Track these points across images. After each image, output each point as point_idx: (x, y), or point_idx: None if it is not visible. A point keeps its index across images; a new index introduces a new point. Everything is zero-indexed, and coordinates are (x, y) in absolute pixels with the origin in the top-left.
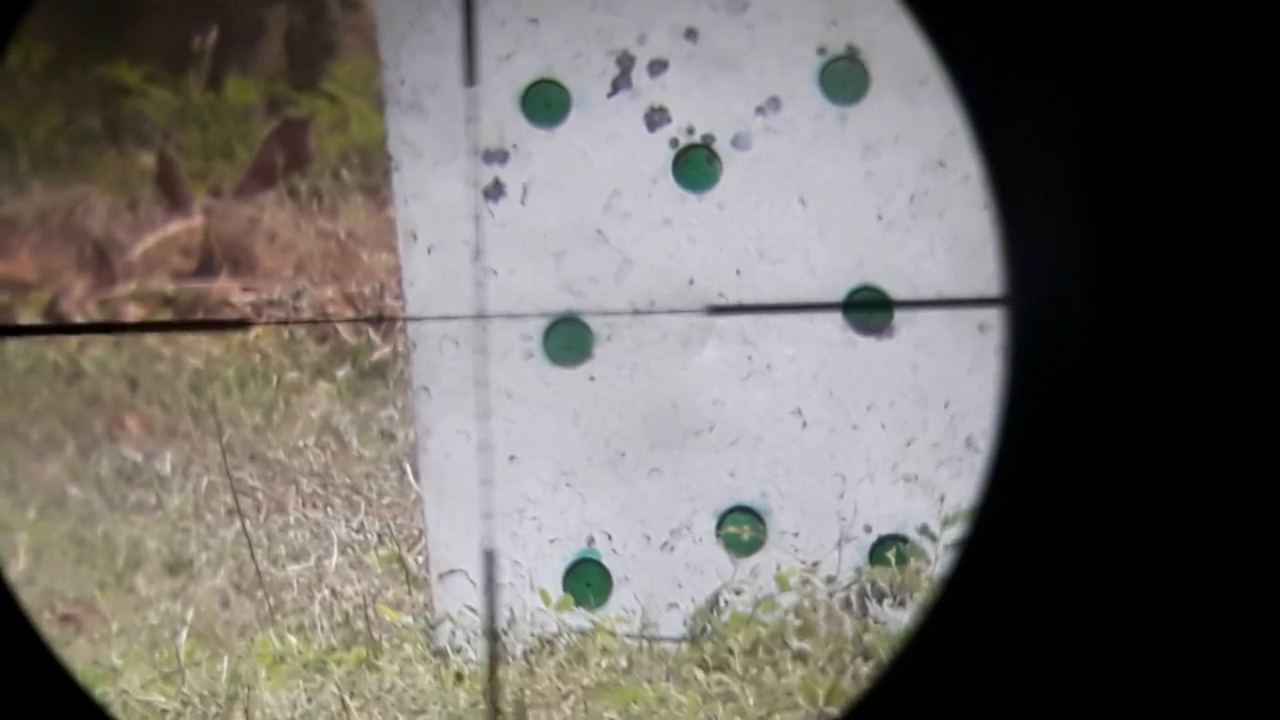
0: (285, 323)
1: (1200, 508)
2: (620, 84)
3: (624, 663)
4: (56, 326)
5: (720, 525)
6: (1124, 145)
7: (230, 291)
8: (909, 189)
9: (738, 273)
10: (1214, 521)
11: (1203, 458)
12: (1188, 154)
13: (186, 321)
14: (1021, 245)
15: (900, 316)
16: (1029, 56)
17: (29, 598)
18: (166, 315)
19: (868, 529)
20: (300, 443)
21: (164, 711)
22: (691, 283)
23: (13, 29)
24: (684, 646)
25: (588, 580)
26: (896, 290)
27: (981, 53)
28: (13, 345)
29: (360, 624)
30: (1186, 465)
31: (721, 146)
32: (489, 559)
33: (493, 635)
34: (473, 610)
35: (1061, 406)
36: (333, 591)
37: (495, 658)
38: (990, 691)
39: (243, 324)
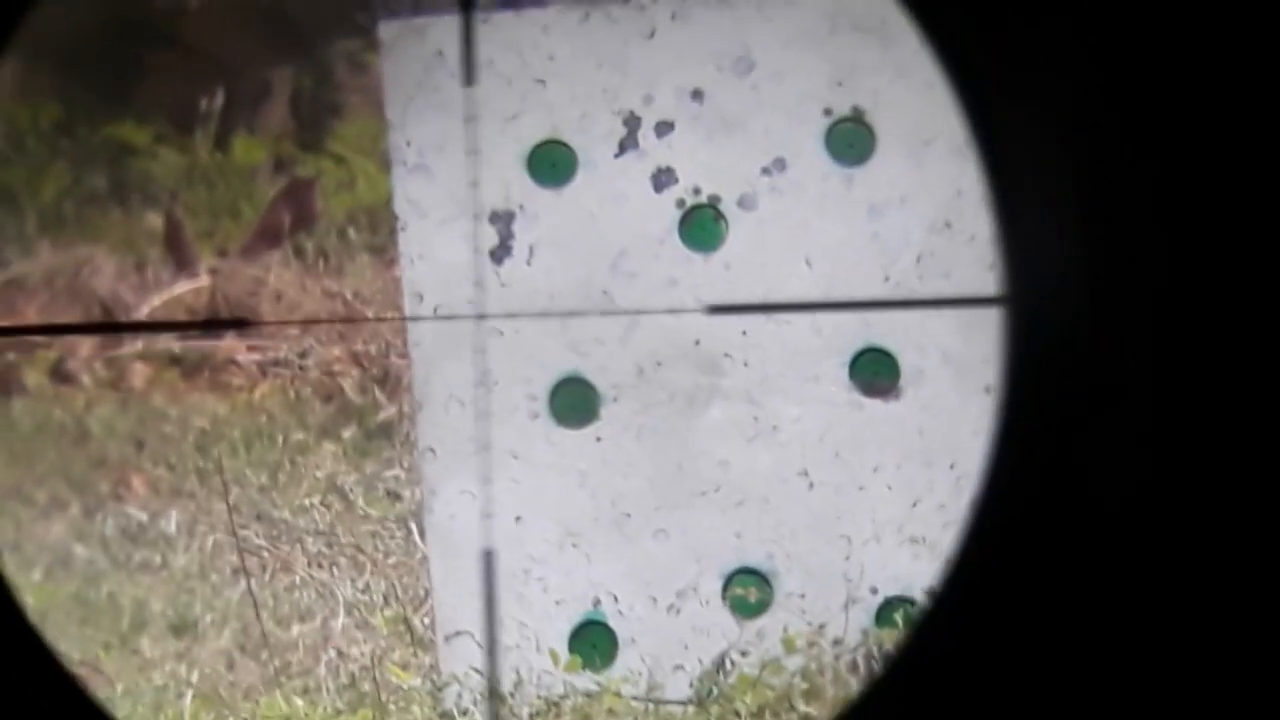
0: (285, 323)
1: (1201, 507)
2: (627, 144)
3: None
4: (54, 326)
5: (726, 587)
6: (1124, 145)
7: (236, 350)
8: (915, 250)
9: (744, 333)
10: (1215, 522)
11: (1202, 457)
12: (1188, 153)
13: (184, 322)
14: (1021, 245)
15: (907, 379)
16: (1028, 55)
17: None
18: (173, 374)
19: (874, 591)
20: (306, 502)
21: None
22: (698, 343)
23: (13, 29)
24: (690, 709)
25: (594, 642)
26: (903, 351)
27: (980, 51)
28: (19, 405)
29: (367, 685)
30: (1186, 464)
31: (728, 207)
32: (488, 558)
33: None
34: (479, 672)
35: (1060, 406)
36: (339, 652)
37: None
38: (993, 693)
39: (244, 323)
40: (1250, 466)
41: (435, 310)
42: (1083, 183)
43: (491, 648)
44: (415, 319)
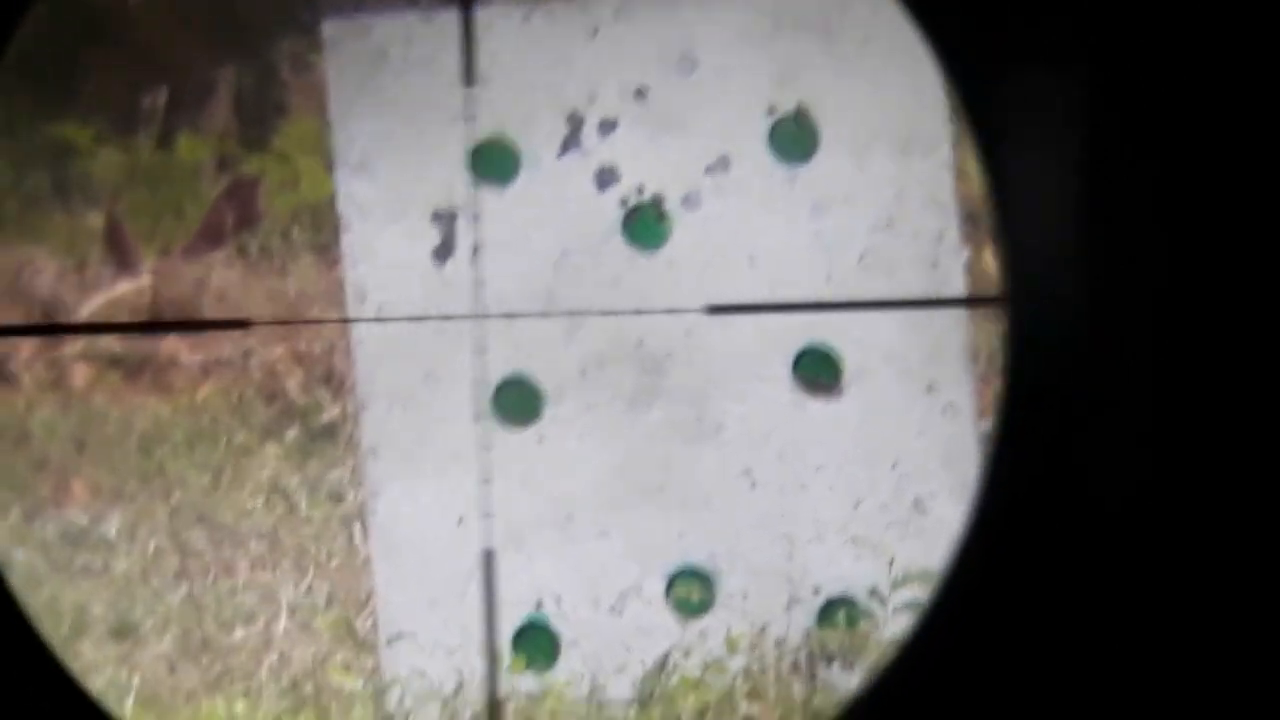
0: (285, 323)
1: (1200, 506)
2: (570, 143)
3: None
4: (49, 326)
5: (669, 587)
6: (1124, 145)
7: (179, 351)
8: (858, 248)
9: (687, 333)
10: (1214, 522)
11: (1202, 457)
12: (1187, 154)
13: (177, 322)
14: (1021, 245)
15: (849, 378)
16: (1028, 55)
17: None
18: (115, 375)
19: (816, 591)
20: (248, 505)
21: None
22: (640, 343)
23: (13, 29)
24: (633, 710)
25: (536, 643)
26: (846, 350)
27: (980, 52)
28: None
29: (309, 688)
30: (1186, 464)
31: (671, 206)
32: (488, 558)
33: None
34: (421, 675)
35: (1060, 406)
36: (281, 655)
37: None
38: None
39: (241, 324)
40: (1250, 466)
41: (379, 310)
42: (1082, 183)
43: (491, 655)
44: (381, 320)
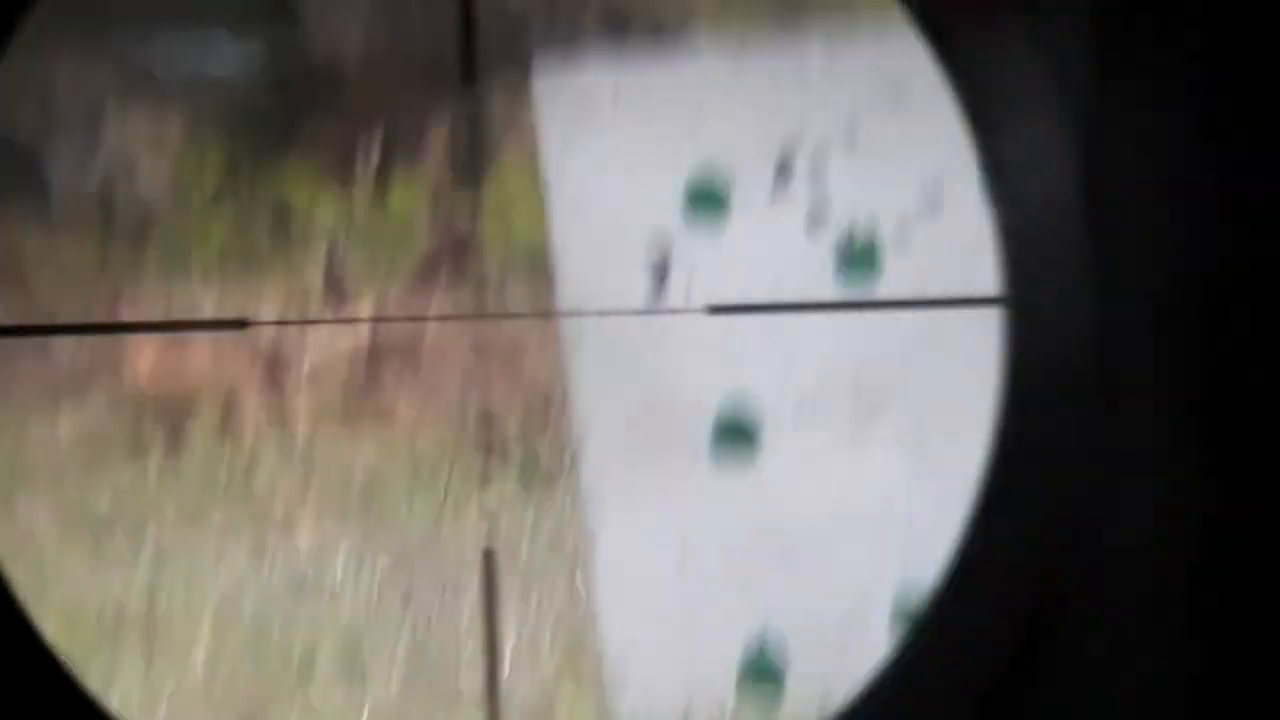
0: (284, 323)
1: (1200, 505)
2: (782, 180)
3: None
4: (46, 326)
5: (893, 614)
6: (1124, 145)
7: (397, 398)
8: None
9: (904, 363)
10: (1214, 521)
11: (1202, 456)
12: (1187, 154)
13: (173, 322)
14: (1021, 245)
15: None
16: (1028, 56)
17: (201, 707)
18: (335, 424)
19: None
20: (468, 552)
21: None
22: (856, 375)
23: (13, 29)
24: None
25: (764, 673)
26: None
27: (980, 52)
28: (185, 457)
29: None
30: (1186, 463)
31: (884, 241)
32: (488, 558)
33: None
34: (647, 711)
35: (1060, 406)
36: (506, 695)
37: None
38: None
39: (240, 324)
40: (1250, 464)
41: (597, 349)
42: (1082, 182)
43: (493, 668)
44: (411, 319)
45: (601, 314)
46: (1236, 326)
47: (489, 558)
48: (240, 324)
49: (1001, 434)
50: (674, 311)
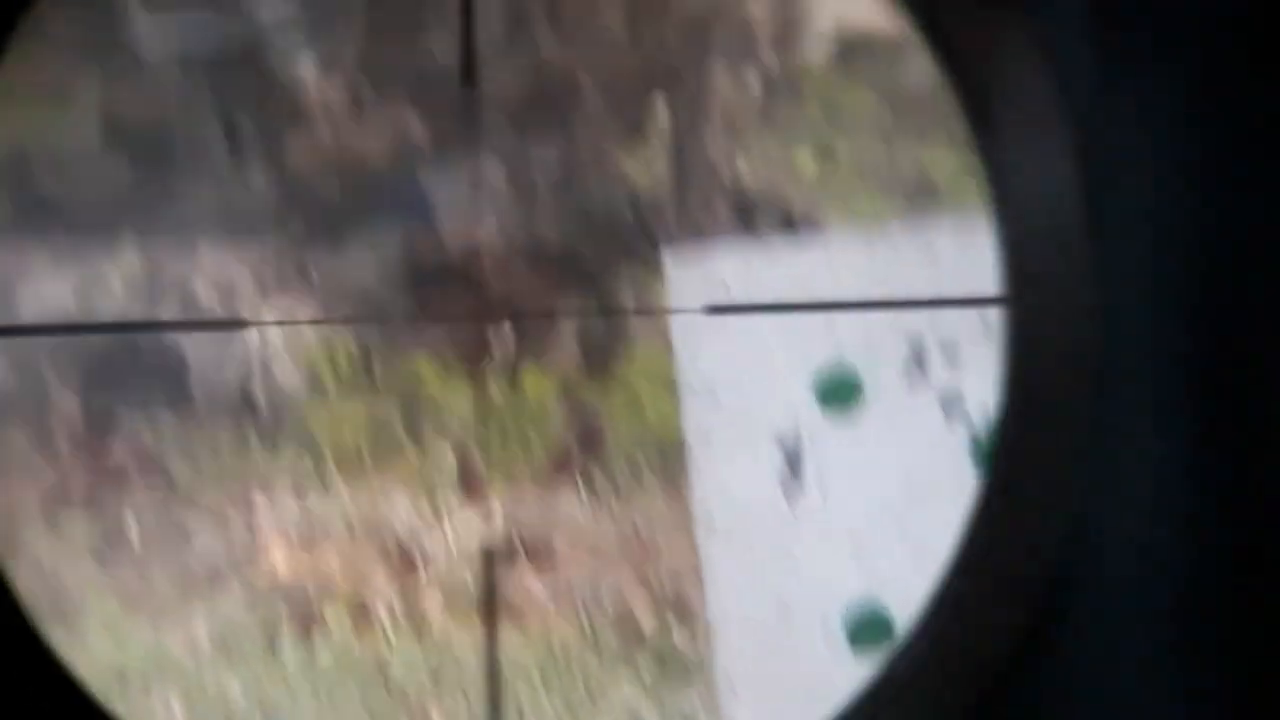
0: (284, 323)
1: (1200, 505)
2: (914, 367)
3: None
4: (43, 327)
5: None
6: (1124, 145)
7: (529, 581)
8: None
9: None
10: (1213, 521)
11: (1202, 456)
12: (1187, 154)
13: (172, 322)
14: (1021, 245)
15: None
16: (1028, 56)
17: None
18: (470, 611)
19: None
20: None
21: None
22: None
23: (13, 28)
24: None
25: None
26: None
27: (980, 52)
28: (320, 643)
29: None
30: (1186, 464)
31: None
32: (488, 557)
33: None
34: None
35: (1060, 406)
36: None
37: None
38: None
39: (239, 324)
40: (1250, 464)
41: (728, 540)
42: (1083, 183)
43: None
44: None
45: (601, 314)
46: (1236, 326)
47: (489, 557)
48: (240, 324)
49: (1001, 434)
50: (673, 312)
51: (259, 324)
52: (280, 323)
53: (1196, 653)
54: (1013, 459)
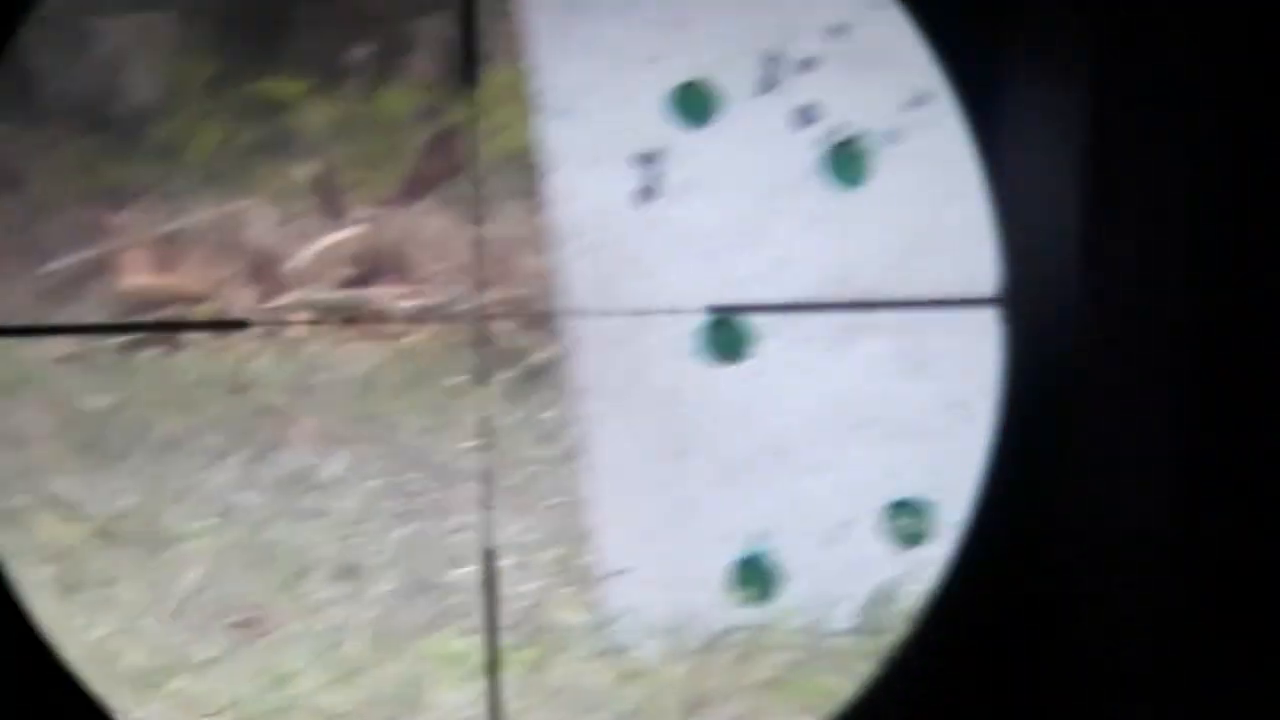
0: (282, 323)
1: (1200, 505)
2: (769, 82)
3: (795, 657)
4: (44, 328)
5: (887, 519)
6: (1123, 145)
7: (389, 298)
8: None
9: (892, 268)
10: (1214, 521)
11: (1203, 456)
12: (1187, 153)
13: (175, 323)
14: (1021, 245)
15: None
16: (1028, 56)
17: (203, 605)
18: (330, 322)
19: None
20: (465, 446)
21: (341, 715)
22: (846, 279)
23: (13, 29)
24: (855, 640)
25: (757, 576)
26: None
27: (980, 52)
28: (182, 357)
29: (531, 625)
30: (1186, 464)
31: (873, 142)
32: (488, 557)
33: (492, 628)
34: (641, 609)
35: (1060, 406)
36: (501, 594)
37: (495, 655)
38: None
39: (239, 324)
40: (1250, 464)
41: (583, 252)
42: (1082, 183)
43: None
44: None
45: (600, 314)
46: (1236, 327)
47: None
48: (241, 324)
49: (1001, 434)
50: (672, 312)
51: (257, 323)
52: (279, 323)
53: (1193, 652)
54: (1012, 458)
